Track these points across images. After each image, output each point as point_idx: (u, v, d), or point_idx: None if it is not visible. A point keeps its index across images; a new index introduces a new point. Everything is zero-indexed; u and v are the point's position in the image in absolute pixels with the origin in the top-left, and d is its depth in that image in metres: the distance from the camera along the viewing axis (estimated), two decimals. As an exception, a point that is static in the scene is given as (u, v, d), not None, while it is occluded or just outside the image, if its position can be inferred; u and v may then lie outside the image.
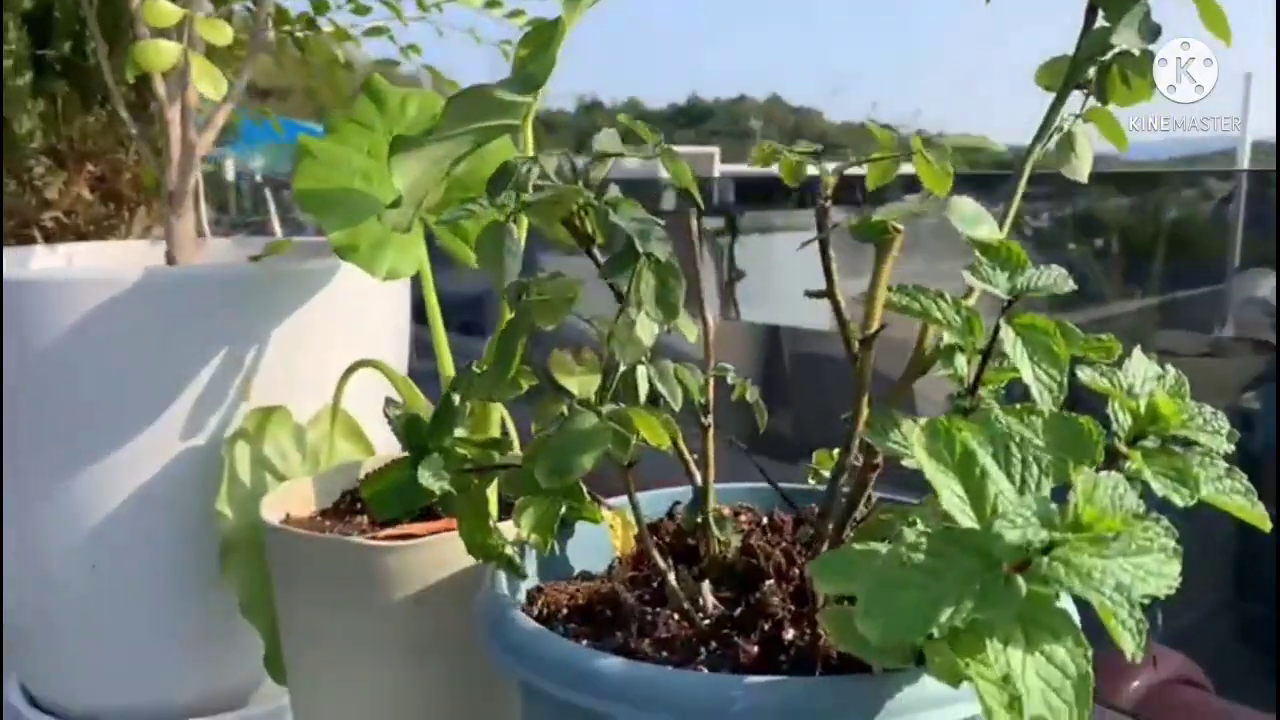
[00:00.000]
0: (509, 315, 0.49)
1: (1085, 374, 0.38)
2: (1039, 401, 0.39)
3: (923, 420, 0.39)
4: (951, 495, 0.36)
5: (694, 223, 0.53)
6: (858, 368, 0.42)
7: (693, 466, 0.55)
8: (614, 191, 0.48)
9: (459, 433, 0.51)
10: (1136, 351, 0.41)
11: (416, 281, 0.82)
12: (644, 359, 0.49)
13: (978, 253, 0.41)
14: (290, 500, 0.72)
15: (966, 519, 0.36)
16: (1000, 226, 0.49)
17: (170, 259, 0.94)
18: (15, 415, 0.78)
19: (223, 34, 0.82)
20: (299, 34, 1.01)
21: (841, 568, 0.36)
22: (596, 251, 0.50)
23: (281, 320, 0.81)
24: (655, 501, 0.61)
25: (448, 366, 0.75)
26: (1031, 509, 0.32)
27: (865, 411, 0.42)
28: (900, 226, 0.40)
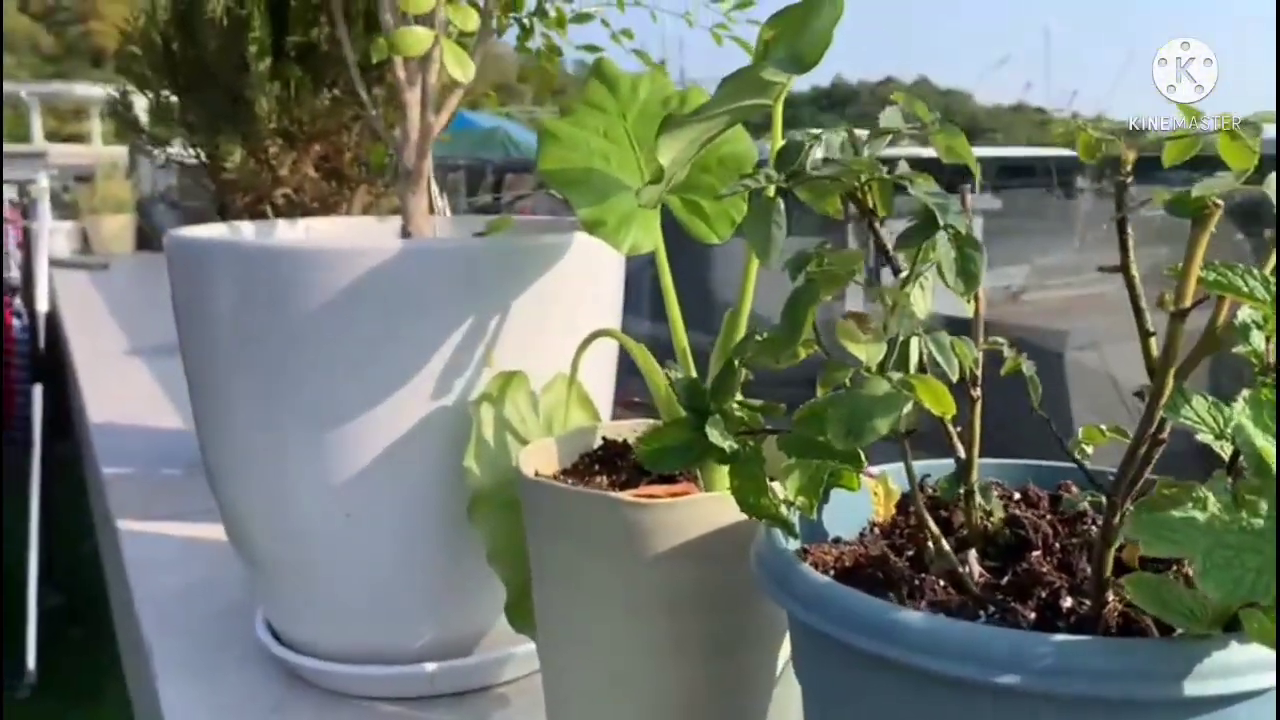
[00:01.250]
0: (796, 285, 0.51)
1: None
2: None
3: (1244, 392, 0.40)
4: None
5: (965, 199, 0.54)
6: (1167, 342, 0.43)
7: (956, 438, 0.56)
8: (903, 167, 0.50)
9: (736, 396, 0.53)
10: None
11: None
12: (920, 330, 0.51)
13: (1294, 230, 0.41)
14: (537, 458, 0.77)
15: (1297, 488, 0.36)
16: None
17: (405, 233, 1.01)
18: (282, 374, 0.85)
19: (471, 20, 0.87)
20: (526, 20, 1.06)
21: (1164, 531, 0.38)
22: (876, 225, 0.52)
23: (520, 291, 0.86)
24: (904, 475, 0.63)
25: (683, 340, 0.78)
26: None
27: (1169, 387, 0.43)
28: (1220, 201, 0.40)
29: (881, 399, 0.47)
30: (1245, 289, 0.42)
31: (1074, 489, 0.60)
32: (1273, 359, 0.45)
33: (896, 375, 0.48)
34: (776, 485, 0.55)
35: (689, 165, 0.75)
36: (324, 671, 0.94)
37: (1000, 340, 0.55)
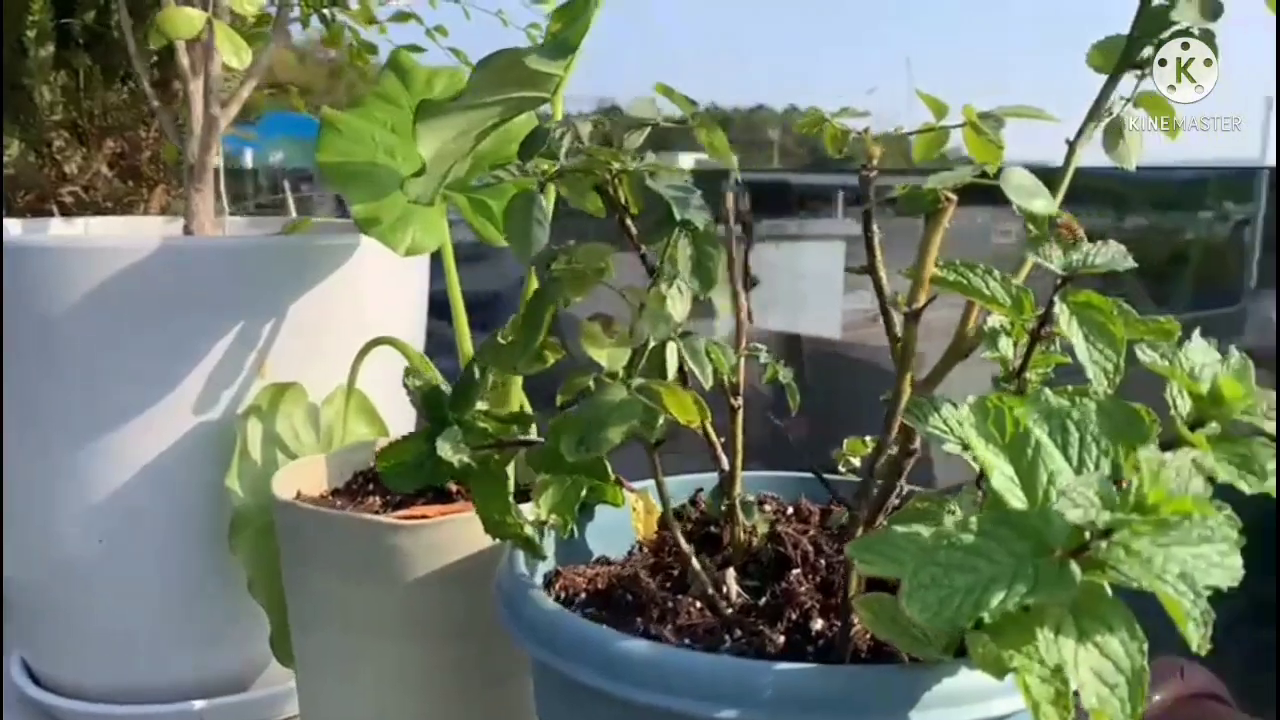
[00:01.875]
0: (535, 285, 0.47)
1: (1145, 355, 0.36)
2: (1095, 383, 0.37)
3: (971, 398, 0.37)
4: (1003, 476, 0.34)
5: (729, 198, 0.51)
6: (900, 345, 0.40)
7: (720, 449, 0.53)
8: (651, 158, 0.46)
9: (480, 406, 0.49)
10: (1196, 335, 0.39)
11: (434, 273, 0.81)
12: (674, 334, 0.48)
13: (1031, 229, 0.39)
14: (302, 478, 0.71)
15: (1017, 501, 0.34)
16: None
17: (188, 232, 0.93)
18: (26, 384, 0.77)
19: (251, 4, 0.80)
20: (324, 10, 1.00)
21: (884, 549, 0.35)
22: (630, 222, 0.49)
23: (298, 295, 0.80)
24: (678, 488, 0.60)
25: (468, 347, 0.73)
26: (1093, 488, 0.30)
27: (906, 393, 0.41)
28: (952, 195, 0.38)
29: (617, 407, 0.43)
30: (985, 292, 0.40)
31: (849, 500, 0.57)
32: (1021, 364, 0.43)
33: (637, 382, 0.44)
34: (527, 506, 0.51)
35: (469, 161, 0.70)
36: (86, 714, 0.85)
37: (759, 346, 0.52)
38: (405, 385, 0.50)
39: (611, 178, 0.48)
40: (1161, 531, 0.31)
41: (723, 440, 0.53)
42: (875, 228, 0.43)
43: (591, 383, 0.44)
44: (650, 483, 0.58)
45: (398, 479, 0.50)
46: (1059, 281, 0.38)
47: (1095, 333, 0.37)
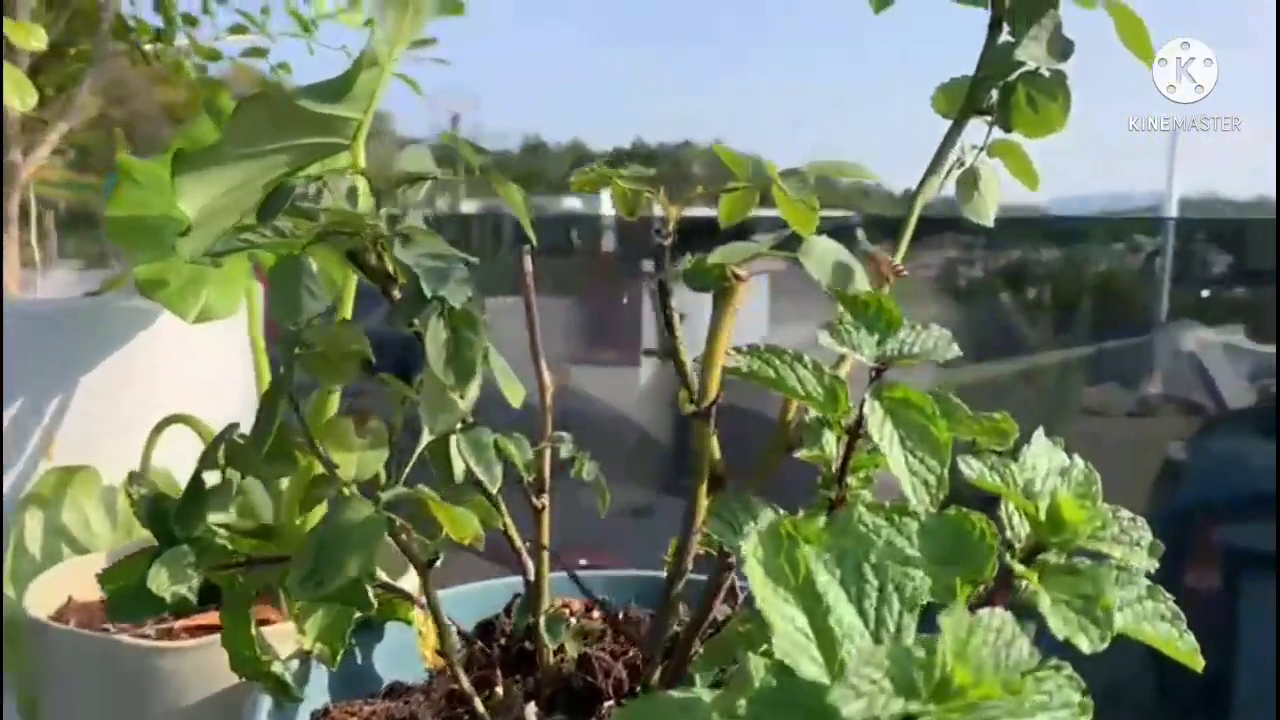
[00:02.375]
0: (278, 371, 0.39)
1: (972, 468, 0.29)
2: (913, 499, 0.30)
3: (763, 519, 0.30)
4: (791, 632, 0.27)
5: (525, 263, 0.44)
6: (695, 445, 0.33)
7: (525, 556, 0.45)
8: (415, 220, 0.39)
9: (220, 517, 0.41)
10: (1038, 435, 0.32)
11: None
12: (458, 428, 0.40)
13: (840, 308, 0.32)
14: (76, 580, 0.61)
15: (811, 666, 0.27)
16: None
17: (-12, 292, 0.84)
18: None
19: (35, 39, 0.72)
20: (145, 47, 0.91)
21: (656, 714, 0.27)
22: (392, 292, 0.41)
23: (92, 366, 0.71)
24: (493, 593, 0.52)
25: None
26: (884, 666, 0.23)
27: (703, 506, 0.33)
28: (741, 273, 0.31)
29: (358, 528, 0.35)
30: (791, 383, 0.33)
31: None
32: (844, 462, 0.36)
33: (391, 493, 0.36)
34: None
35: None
36: None
37: (562, 435, 0.44)
38: (127, 493, 0.42)
39: (373, 244, 0.40)
40: (979, 712, 0.24)
41: (528, 545, 0.45)
42: (673, 303, 0.36)
43: (327, 498, 0.36)
44: (461, 590, 0.50)
45: (125, 608, 0.41)
46: (871, 374, 0.31)
47: (914, 437, 0.30)
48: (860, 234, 0.42)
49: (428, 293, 0.35)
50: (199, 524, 0.39)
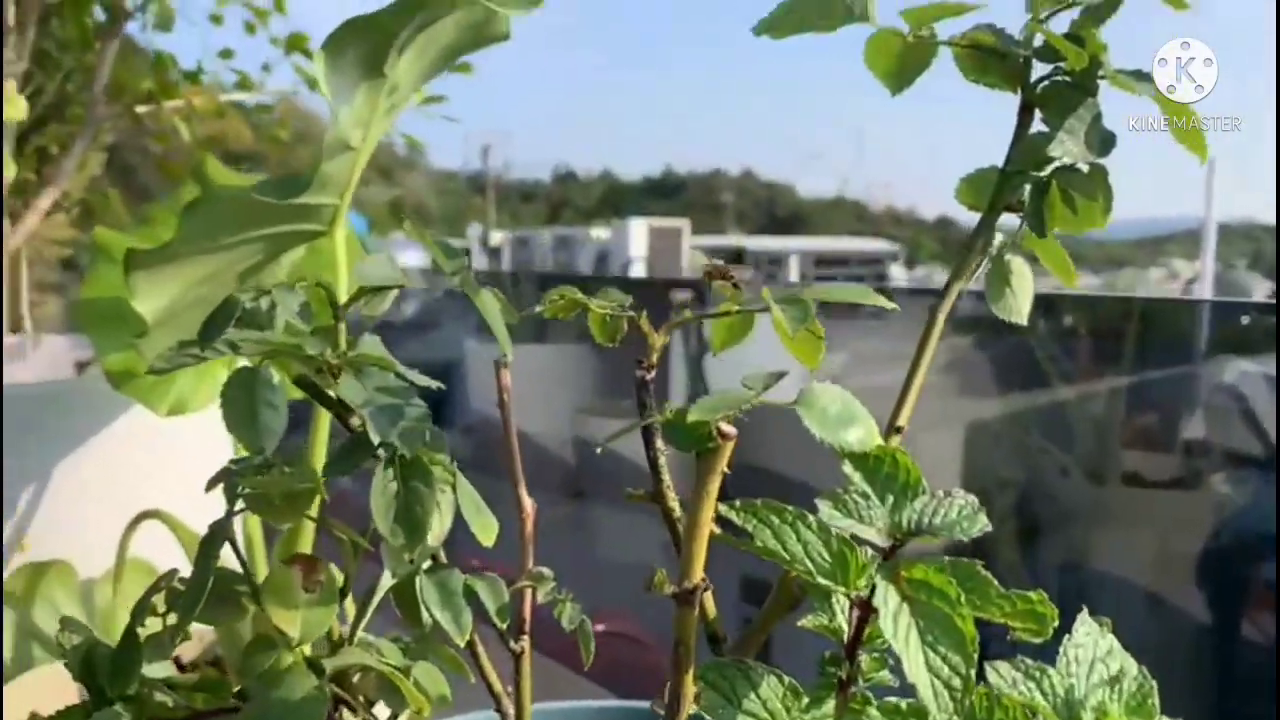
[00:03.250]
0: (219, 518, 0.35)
1: (1001, 675, 0.25)
2: (934, 708, 0.25)
3: (766, 688, 0.25)
4: None
5: (499, 375, 0.39)
6: (677, 632, 0.28)
7: (506, 702, 0.40)
8: (369, 343, 0.35)
9: (159, 669, 0.36)
10: (1082, 617, 0.27)
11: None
12: (420, 566, 0.36)
13: (846, 469, 0.28)
14: (41, 692, 0.57)
15: None
16: (900, 404, 0.36)
17: (-26, 363, 0.81)
18: None
19: (14, 109, 0.69)
20: (138, 110, 0.88)
21: None
22: (349, 421, 0.37)
23: (71, 452, 0.67)
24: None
25: (254, 538, 0.60)
26: None
27: (689, 686, 0.29)
28: (730, 430, 0.26)
29: (295, 710, 0.30)
30: (792, 551, 0.28)
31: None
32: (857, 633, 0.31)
33: (337, 660, 0.32)
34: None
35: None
36: None
37: (543, 572, 0.40)
38: (58, 640, 0.38)
39: (328, 366, 0.36)
40: None
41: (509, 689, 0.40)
42: (667, 477, 0.31)
43: (261, 668, 0.31)
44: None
45: (56, 770, 0.37)
46: (884, 553, 0.27)
47: (936, 629, 0.26)
48: (701, 256, 0.38)
49: (374, 439, 0.30)
50: (132, 680, 0.35)
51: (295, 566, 0.34)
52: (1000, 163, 0.40)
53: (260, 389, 0.39)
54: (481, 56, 0.69)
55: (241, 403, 0.38)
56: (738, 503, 0.29)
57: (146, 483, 0.71)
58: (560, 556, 0.44)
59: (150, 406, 0.58)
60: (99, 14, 0.84)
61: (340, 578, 0.35)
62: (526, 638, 0.40)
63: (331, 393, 0.36)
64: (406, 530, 0.30)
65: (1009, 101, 0.42)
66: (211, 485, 0.35)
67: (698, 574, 0.27)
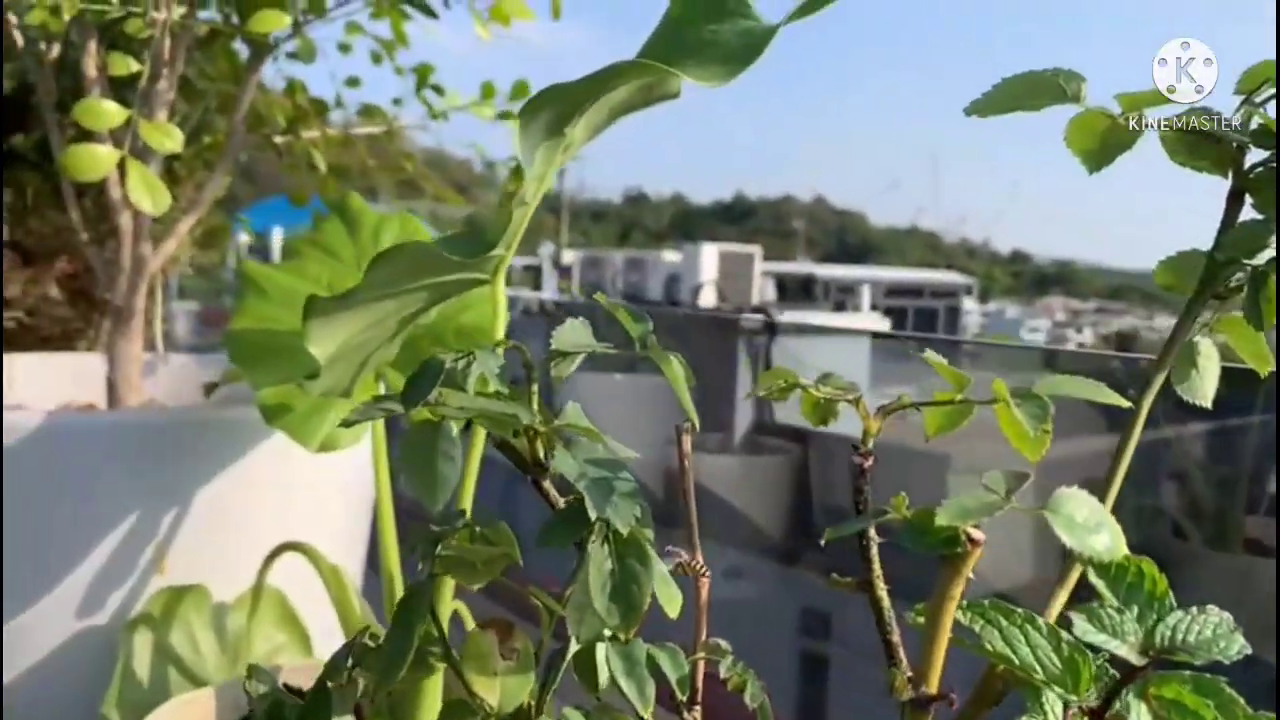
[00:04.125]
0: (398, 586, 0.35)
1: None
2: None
3: None
4: None
5: (680, 442, 0.39)
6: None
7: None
8: (573, 411, 0.35)
9: (344, 725, 0.37)
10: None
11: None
12: (602, 634, 0.35)
13: (1093, 578, 0.27)
14: (180, 715, 0.58)
15: None
16: (1106, 493, 0.35)
17: (111, 385, 0.83)
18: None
19: (171, 140, 0.70)
20: (277, 139, 0.90)
21: None
22: (549, 487, 0.37)
23: (212, 478, 0.68)
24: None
25: (391, 559, 0.61)
26: None
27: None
28: (979, 536, 0.26)
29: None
30: (1022, 655, 0.27)
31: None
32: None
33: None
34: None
35: (399, 339, 0.59)
36: None
37: (719, 643, 0.39)
38: (245, 690, 0.38)
39: (525, 431, 0.36)
40: None
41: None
42: (877, 568, 0.31)
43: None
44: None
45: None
46: (1136, 669, 0.26)
47: (1191, 754, 0.25)
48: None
49: (592, 514, 0.30)
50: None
51: (490, 632, 0.34)
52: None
53: (441, 443, 0.39)
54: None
55: (423, 455, 0.39)
56: (965, 603, 0.29)
57: (284, 513, 0.72)
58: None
59: (301, 442, 0.59)
60: (242, 49, 0.87)
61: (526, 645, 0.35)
62: (699, 708, 0.40)
63: (528, 454, 0.36)
64: (623, 609, 0.30)
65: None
66: (412, 545, 0.35)
67: (934, 682, 0.27)
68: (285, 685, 0.62)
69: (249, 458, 0.70)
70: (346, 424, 0.41)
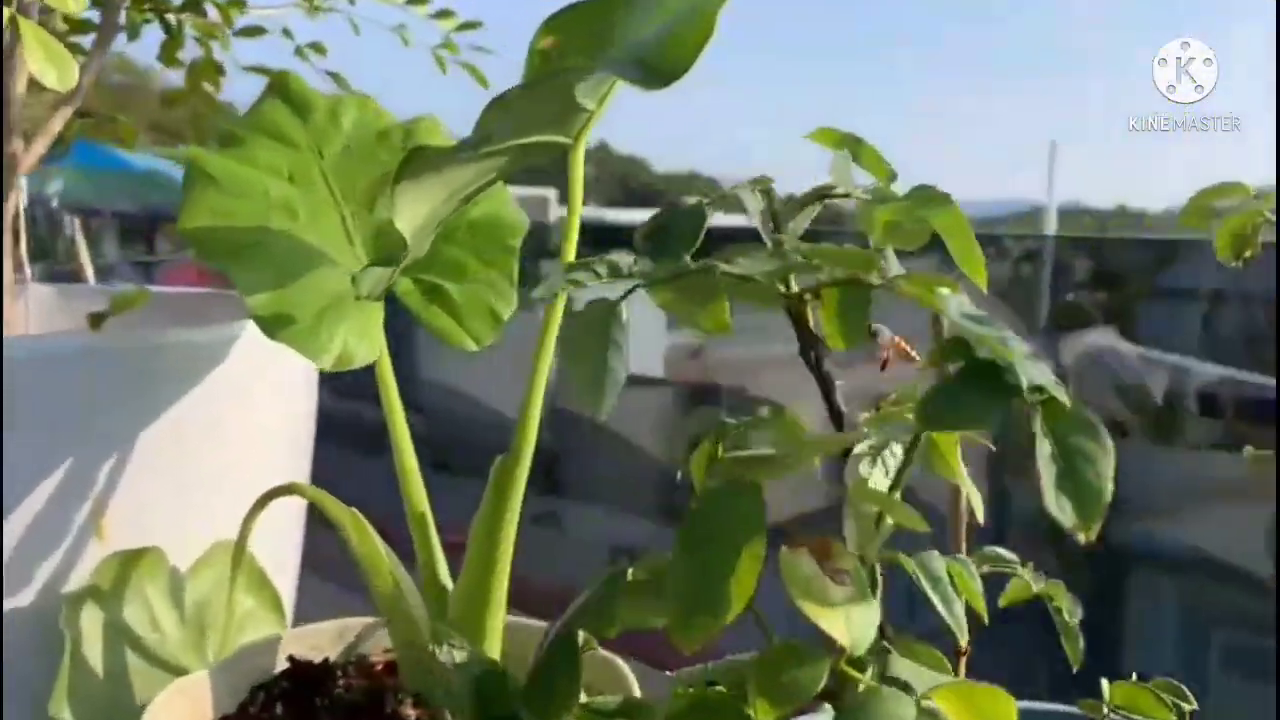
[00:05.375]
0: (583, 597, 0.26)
1: None
2: None
3: None
4: None
5: (813, 357, 0.32)
6: None
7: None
8: (892, 261, 0.27)
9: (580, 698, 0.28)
10: None
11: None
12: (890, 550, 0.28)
13: None
14: (174, 711, 0.46)
15: None
16: None
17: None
18: None
19: (75, 1, 0.56)
20: (173, 19, 0.75)
21: None
22: (815, 358, 0.29)
23: (149, 420, 0.55)
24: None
25: (418, 498, 0.51)
26: None
27: None
28: None
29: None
30: None
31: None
32: None
33: (930, 680, 0.24)
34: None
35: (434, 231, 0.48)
36: None
37: (998, 550, 0.32)
38: (438, 660, 0.28)
39: (807, 293, 0.28)
40: None
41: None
42: None
43: (838, 681, 0.23)
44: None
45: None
46: None
47: None
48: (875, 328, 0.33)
49: (1022, 380, 0.22)
50: (568, 708, 0.26)
51: (804, 550, 0.26)
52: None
53: (615, 330, 0.31)
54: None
55: (593, 347, 0.31)
56: None
57: (224, 451, 0.60)
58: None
59: (311, 357, 0.47)
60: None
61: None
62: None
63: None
64: (1078, 499, 0.22)
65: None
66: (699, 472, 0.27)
67: None
68: (291, 659, 0.51)
69: (194, 392, 0.57)
70: (530, 303, 0.31)
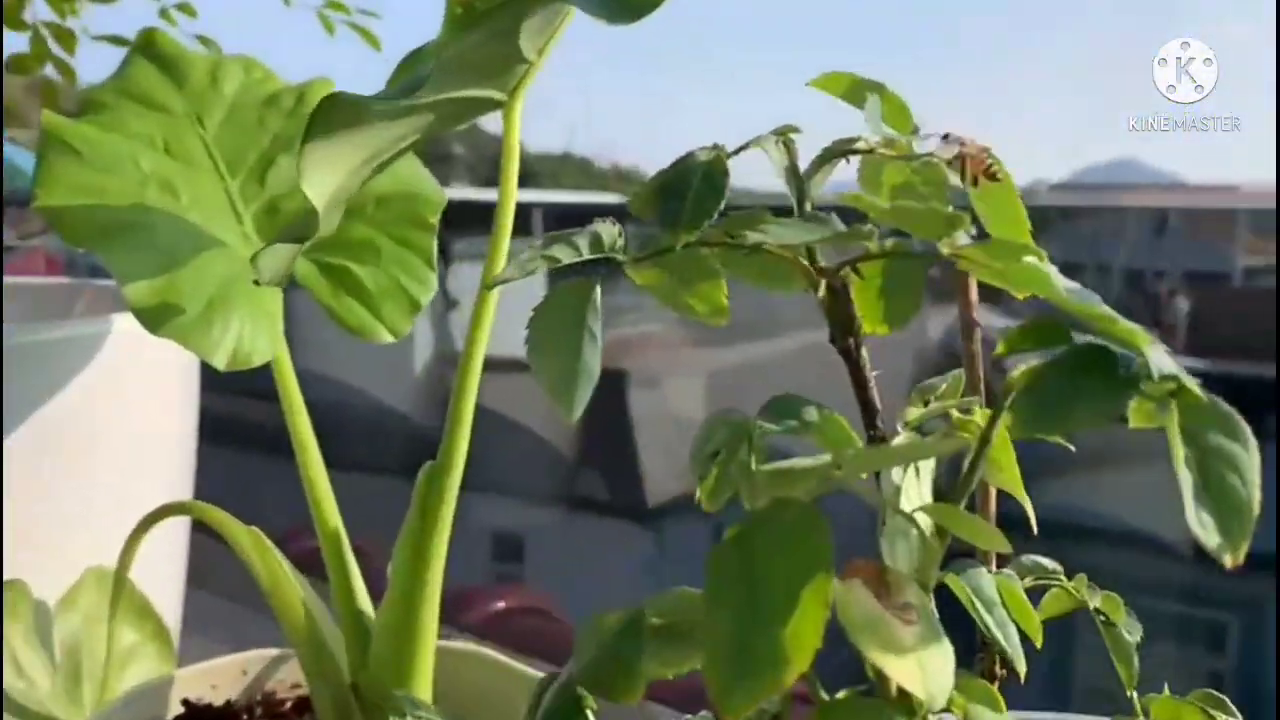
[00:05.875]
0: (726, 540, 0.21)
1: None
2: None
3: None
4: None
5: (971, 287, 0.27)
6: None
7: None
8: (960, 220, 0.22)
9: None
10: None
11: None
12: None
13: None
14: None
15: None
16: None
17: None
18: None
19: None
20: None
21: None
22: (850, 347, 0.24)
23: (4, 431, 0.48)
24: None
25: (329, 513, 0.44)
26: None
27: None
28: None
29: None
30: None
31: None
32: None
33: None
34: None
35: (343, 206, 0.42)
36: None
37: (1040, 561, 0.28)
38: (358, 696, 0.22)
39: (837, 268, 0.23)
40: None
41: None
42: None
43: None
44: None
45: None
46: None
47: None
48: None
49: (1154, 372, 0.18)
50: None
51: (858, 582, 0.21)
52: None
53: (589, 316, 0.26)
54: None
55: (565, 339, 0.26)
56: None
57: (97, 462, 0.52)
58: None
59: (202, 353, 0.40)
60: None
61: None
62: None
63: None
64: (1219, 517, 0.18)
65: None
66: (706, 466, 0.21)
67: None
68: (185, 702, 0.44)
69: (59, 396, 0.49)
70: (497, 282, 0.26)
